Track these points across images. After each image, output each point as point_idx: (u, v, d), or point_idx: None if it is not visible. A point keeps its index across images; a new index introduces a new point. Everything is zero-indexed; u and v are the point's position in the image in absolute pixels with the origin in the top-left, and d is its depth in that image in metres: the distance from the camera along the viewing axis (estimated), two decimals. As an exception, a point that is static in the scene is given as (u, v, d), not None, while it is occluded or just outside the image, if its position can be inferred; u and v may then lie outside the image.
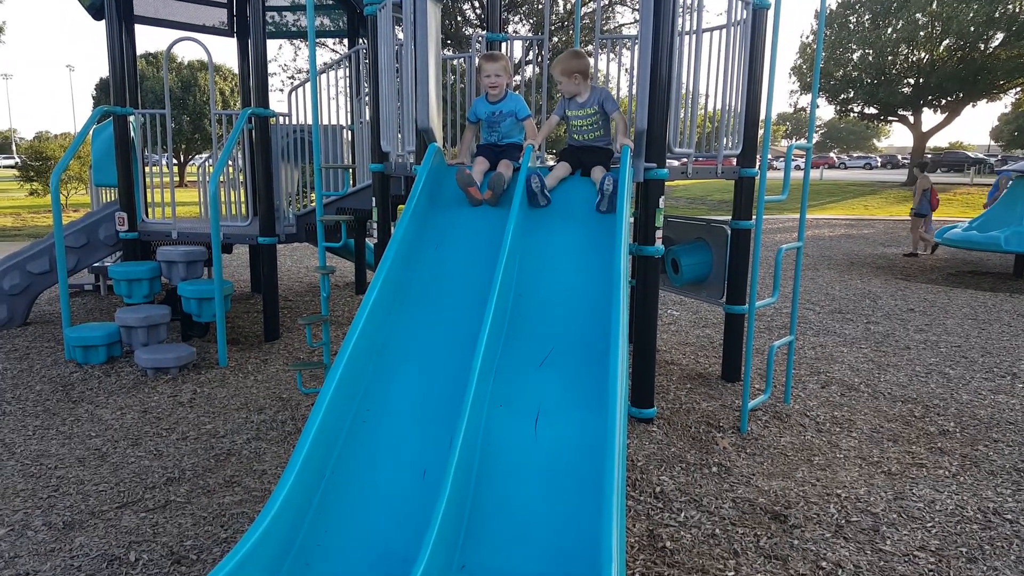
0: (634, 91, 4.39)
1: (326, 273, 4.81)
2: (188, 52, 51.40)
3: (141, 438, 4.22)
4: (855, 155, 67.45)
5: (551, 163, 4.35)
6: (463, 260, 3.46)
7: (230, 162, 7.03)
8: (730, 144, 4.85)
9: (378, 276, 3.16)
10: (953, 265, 11.68)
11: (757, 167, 4.91)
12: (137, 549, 3.03)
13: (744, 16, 4.66)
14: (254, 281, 8.78)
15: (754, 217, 4.78)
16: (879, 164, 58.99)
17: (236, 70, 9.14)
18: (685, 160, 4.61)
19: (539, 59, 9.33)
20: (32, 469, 3.82)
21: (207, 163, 8.56)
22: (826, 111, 49.29)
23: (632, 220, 4.15)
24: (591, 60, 4.43)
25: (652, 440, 4.18)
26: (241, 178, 7.44)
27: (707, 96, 4.75)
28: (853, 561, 3.00)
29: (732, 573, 2.89)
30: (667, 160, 4.15)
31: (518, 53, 18.97)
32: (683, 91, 4.41)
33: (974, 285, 9.83)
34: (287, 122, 6.76)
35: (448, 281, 3.35)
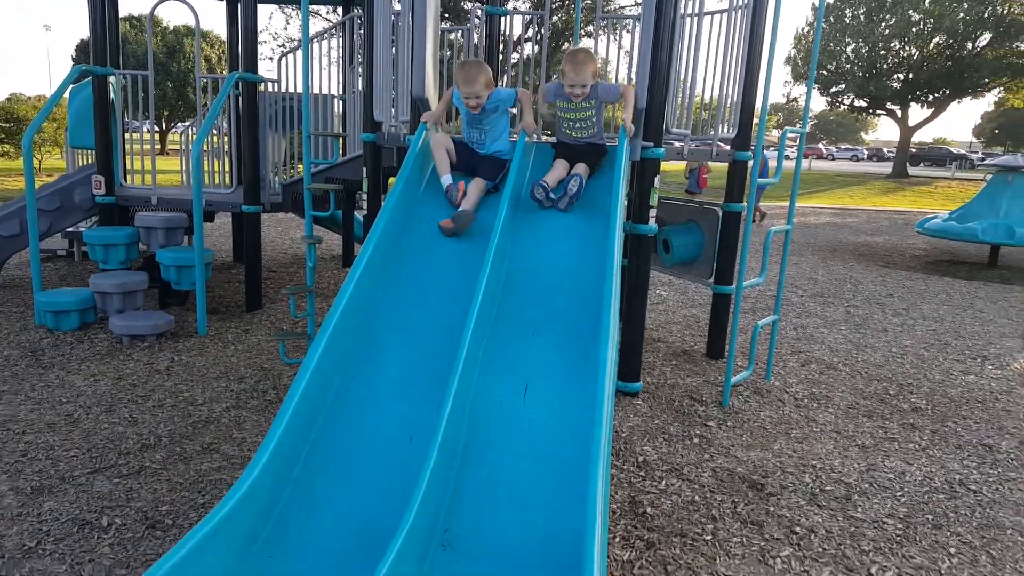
0: (634, 73, 4.35)
1: (312, 243, 4.74)
2: (173, 16, 50.42)
3: (115, 405, 4.15)
4: (843, 147, 67.92)
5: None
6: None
7: (214, 131, 6.90)
8: (726, 129, 4.84)
9: (368, 244, 3.10)
10: (932, 254, 11.82)
11: (751, 151, 4.89)
12: (110, 514, 2.97)
13: (746, 1, 4.63)
14: (236, 251, 8.66)
15: (745, 200, 4.77)
16: (865, 156, 59.47)
17: (224, 37, 8.92)
18: (681, 143, 4.59)
19: (539, 36, 9.20)
20: None
21: (190, 130, 8.41)
22: (817, 103, 49.81)
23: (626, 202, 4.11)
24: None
25: (637, 413, 4.19)
26: (226, 148, 7.30)
27: (705, 78, 4.73)
28: (826, 527, 3.04)
29: (710, 537, 2.91)
30: (664, 141, 4.12)
31: (517, 29, 18.77)
32: (682, 75, 4.39)
33: (951, 273, 9.96)
34: (276, 89, 6.64)
35: (440, 253, 3.30)
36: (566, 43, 20.45)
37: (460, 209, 3.39)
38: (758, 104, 4.55)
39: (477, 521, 2.16)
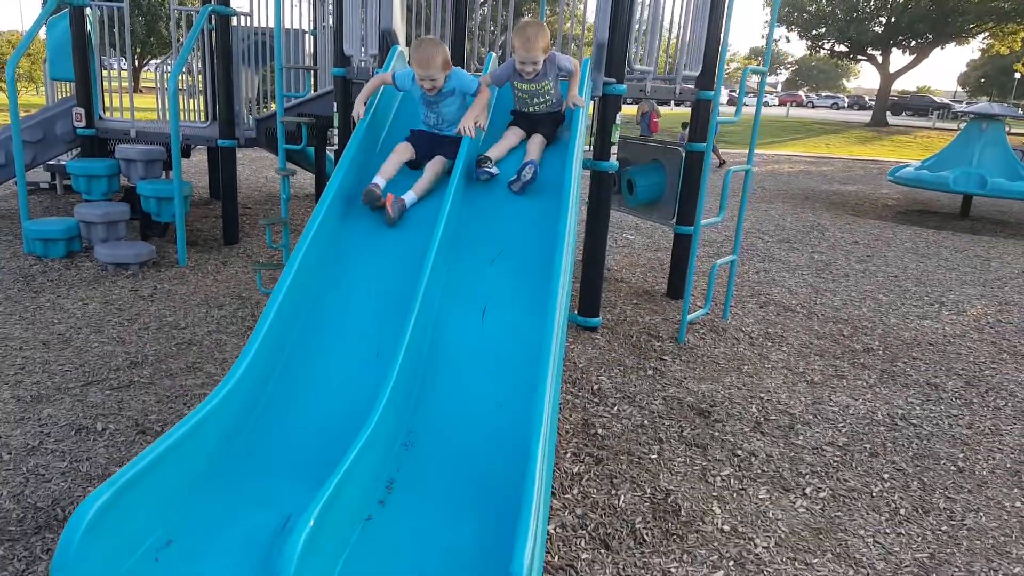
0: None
1: (287, 175, 4.87)
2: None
3: (103, 326, 4.34)
4: (823, 94, 67.60)
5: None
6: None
7: (186, 69, 6.88)
8: (690, 68, 4.95)
9: (335, 177, 3.28)
10: (904, 204, 12.07)
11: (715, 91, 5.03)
12: (104, 420, 3.21)
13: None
14: (212, 187, 8.72)
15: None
16: (846, 104, 59.22)
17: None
18: (643, 81, 4.71)
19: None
20: (-5, 351, 3.93)
21: (165, 65, 8.35)
22: (797, 47, 49.49)
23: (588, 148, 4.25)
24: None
25: (595, 346, 4.44)
26: (200, 86, 7.30)
27: (673, 14, 4.81)
28: (767, 451, 3.32)
29: (655, 456, 3.19)
30: (626, 79, 4.24)
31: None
32: (646, 9, 4.47)
33: (920, 223, 10.22)
34: (248, 23, 6.63)
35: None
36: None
37: (397, 199, 3.23)
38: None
39: (437, 425, 2.40)
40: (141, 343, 4.12)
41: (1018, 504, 3.01)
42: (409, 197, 3.31)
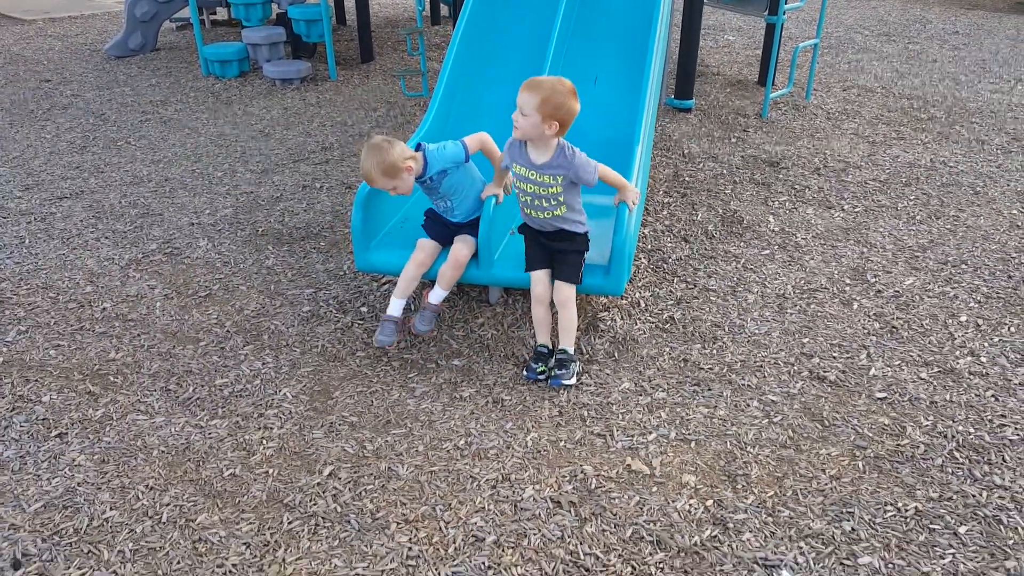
0: None
1: (420, -12, 5.69)
2: None
3: (290, 125, 5.53)
4: None
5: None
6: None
7: None
8: None
9: None
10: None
11: None
12: (319, 182, 4.44)
13: None
14: (338, 14, 9.59)
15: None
16: None
17: None
18: None
19: None
20: (219, 142, 5.19)
21: None
22: None
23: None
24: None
25: (688, 123, 5.26)
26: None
27: None
28: (819, 185, 4.20)
29: (729, 191, 4.13)
30: None
31: None
32: None
33: (1037, 11, 9.87)
34: None
35: None
36: None
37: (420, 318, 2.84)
38: None
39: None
40: (323, 135, 5.29)
41: (1015, 212, 3.80)
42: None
